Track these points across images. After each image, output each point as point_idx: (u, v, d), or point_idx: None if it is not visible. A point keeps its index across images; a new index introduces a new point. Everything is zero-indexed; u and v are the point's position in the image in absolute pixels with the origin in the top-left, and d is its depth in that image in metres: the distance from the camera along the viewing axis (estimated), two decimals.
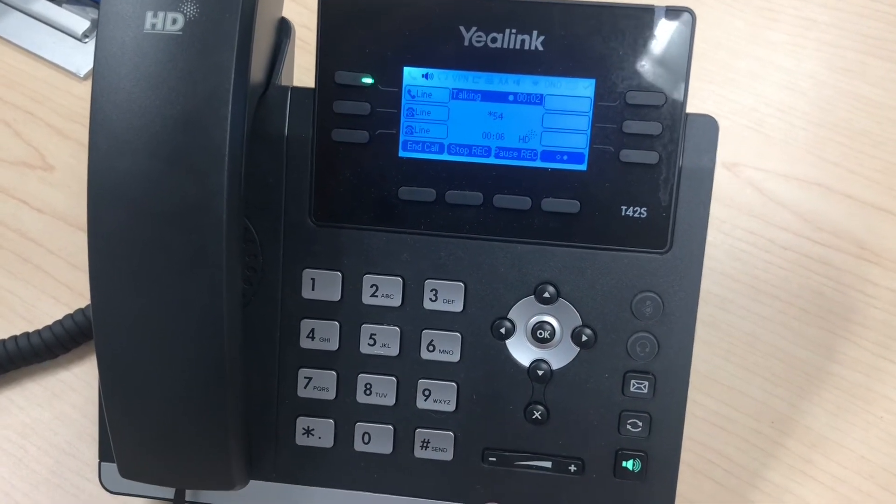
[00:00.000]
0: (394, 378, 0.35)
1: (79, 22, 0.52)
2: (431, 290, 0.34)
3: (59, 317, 0.42)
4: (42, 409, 0.42)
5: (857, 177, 0.46)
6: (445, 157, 0.34)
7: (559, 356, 0.34)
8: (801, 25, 0.49)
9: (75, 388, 0.43)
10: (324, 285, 0.35)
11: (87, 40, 0.52)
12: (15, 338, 0.42)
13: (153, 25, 0.30)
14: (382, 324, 0.35)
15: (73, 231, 0.46)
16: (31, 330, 0.42)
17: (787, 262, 0.44)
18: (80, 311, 0.42)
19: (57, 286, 0.45)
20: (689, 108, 0.33)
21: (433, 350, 0.35)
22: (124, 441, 0.33)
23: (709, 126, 0.33)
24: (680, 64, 0.32)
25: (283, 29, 0.37)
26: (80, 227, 0.45)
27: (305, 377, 0.35)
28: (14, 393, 0.43)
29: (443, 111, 0.33)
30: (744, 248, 0.44)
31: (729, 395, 0.41)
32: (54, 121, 0.49)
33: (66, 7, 0.53)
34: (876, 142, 0.46)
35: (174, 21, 0.30)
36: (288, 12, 0.38)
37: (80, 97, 0.50)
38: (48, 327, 0.42)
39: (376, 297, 0.34)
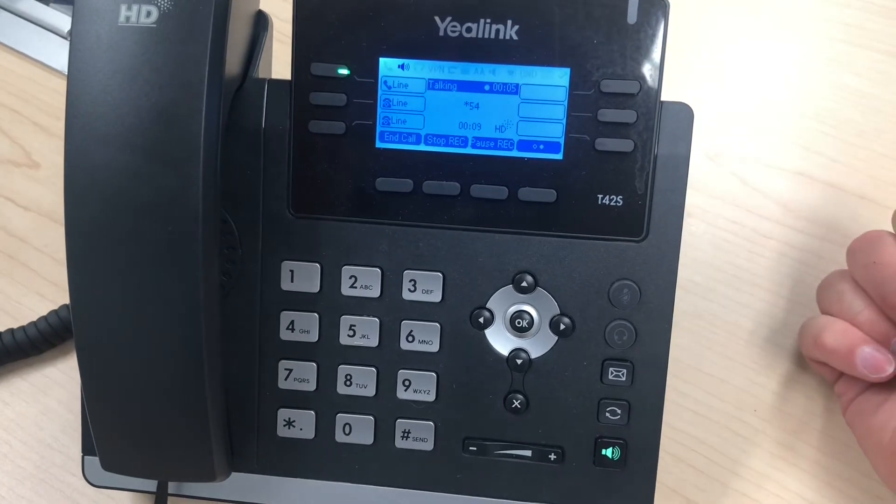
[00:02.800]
0: (374, 369, 0.35)
1: (64, 20, 0.52)
2: (410, 281, 0.34)
3: (45, 313, 0.42)
4: (27, 405, 0.42)
5: (840, 166, 0.45)
6: (422, 147, 0.34)
7: (538, 345, 0.34)
8: (785, 14, 0.49)
9: (60, 383, 0.43)
10: (303, 277, 0.35)
11: None
12: None
13: (127, 18, 0.30)
14: (362, 315, 0.35)
15: (59, 228, 0.46)
16: (16, 326, 0.42)
17: (770, 252, 0.44)
18: (65, 306, 0.42)
19: (42, 283, 0.45)
20: (673, 98, 0.33)
21: (412, 340, 0.35)
22: (105, 434, 0.33)
23: (684, 113, 0.33)
24: (654, 52, 0.32)
25: (261, 22, 0.37)
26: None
27: (286, 369, 0.35)
28: None
29: (419, 101, 0.33)
30: (727, 237, 0.44)
31: (711, 384, 0.41)
32: (40, 118, 0.49)
33: (53, 6, 0.54)
34: (860, 131, 0.46)
35: (148, 14, 0.30)
36: (267, 4, 0.38)
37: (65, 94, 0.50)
38: (33, 323, 0.42)
39: (355, 288, 0.35)
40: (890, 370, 0.34)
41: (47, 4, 0.53)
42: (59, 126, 0.49)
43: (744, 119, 0.47)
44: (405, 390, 0.35)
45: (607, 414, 0.34)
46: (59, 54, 0.52)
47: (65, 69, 0.51)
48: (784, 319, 0.42)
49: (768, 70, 0.48)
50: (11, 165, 0.48)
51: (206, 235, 0.30)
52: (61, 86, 0.50)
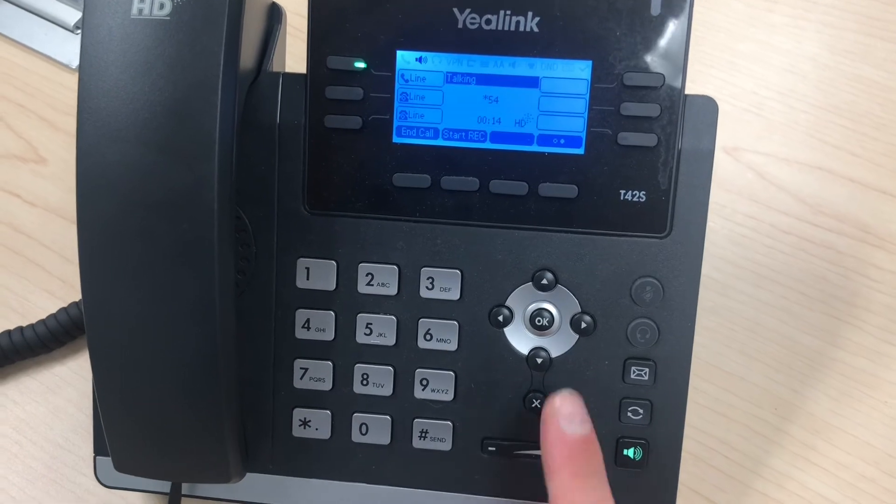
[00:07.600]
0: (391, 368, 0.34)
1: (70, 13, 0.51)
2: (428, 278, 0.34)
3: (53, 310, 0.41)
4: (37, 404, 0.42)
5: (859, 160, 0.45)
6: (440, 142, 0.33)
7: (558, 344, 0.34)
8: (802, 7, 0.48)
9: (70, 382, 0.42)
10: (318, 274, 0.34)
11: (78, 31, 0.51)
12: (9, 332, 0.41)
13: (140, 11, 0.29)
14: (378, 313, 0.34)
15: (67, 224, 0.46)
16: (24, 324, 0.42)
17: (788, 247, 0.43)
18: (74, 304, 0.41)
19: (50, 280, 0.44)
20: (689, 92, 0.32)
21: (430, 339, 0.34)
22: (118, 435, 0.32)
23: (708, 107, 0.32)
24: (678, 45, 0.32)
25: (275, 14, 0.36)
26: (73, 220, 0.44)
27: (301, 368, 0.35)
28: (9, 388, 0.42)
29: (437, 95, 0.33)
30: (745, 233, 0.43)
31: (730, 382, 0.41)
32: (46, 113, 0.48)
33: None
34: (878, 124, 0.46)
35: (161, 6, 0.29)
36: None
37: (72, 89, 0.49)
38: (42, 321, 0.41)
39: (372, 285, 0.34)
40: None
41: None
42: (66, 121, 0.49)
43: (761, 113, 0.46)
44: (423, 389, 0.34)
45: (629, 414, 0.33)
46: (64, 47, 0.51)
47: (70, 62, 0.50)
48: (803, 316, 0.42)
49: (785, 63, 0.47)
50: (18, 161, 0.47)
51: (221, 233, 0.30)
52: (67, 79, 0.50)
